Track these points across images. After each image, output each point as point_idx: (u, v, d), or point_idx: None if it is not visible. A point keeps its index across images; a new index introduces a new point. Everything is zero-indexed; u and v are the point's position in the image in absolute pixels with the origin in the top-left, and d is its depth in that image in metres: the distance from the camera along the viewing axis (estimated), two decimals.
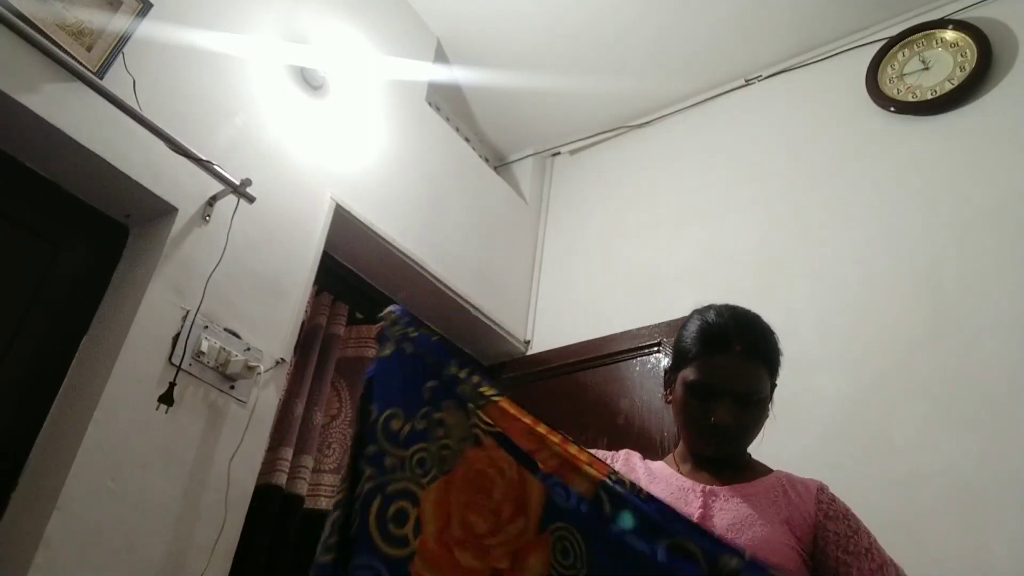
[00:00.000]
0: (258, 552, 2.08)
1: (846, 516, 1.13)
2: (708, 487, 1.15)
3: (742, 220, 2.75)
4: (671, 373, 1.23)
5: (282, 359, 2.06)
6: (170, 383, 1.74)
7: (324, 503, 2.43)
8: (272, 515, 2.17)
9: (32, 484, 1.62)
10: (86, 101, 1.74)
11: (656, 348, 2.53)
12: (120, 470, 1.64)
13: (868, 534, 1.12)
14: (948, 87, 2.49)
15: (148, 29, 1.92)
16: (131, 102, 1.80)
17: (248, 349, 1.96)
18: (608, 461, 1.12)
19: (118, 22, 1.86)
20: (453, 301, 2.80)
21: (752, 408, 1.14)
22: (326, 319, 2.57)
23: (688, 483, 1.17)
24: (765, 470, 1.20)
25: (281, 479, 2.23)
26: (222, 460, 1.84)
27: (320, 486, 2.46)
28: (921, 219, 2.34)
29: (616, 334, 2.70)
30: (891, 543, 1.91)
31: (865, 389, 2.17)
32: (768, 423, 2.39)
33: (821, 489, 1.16)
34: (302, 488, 2.32)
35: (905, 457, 2.00)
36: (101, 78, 1.78)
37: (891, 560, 1.10)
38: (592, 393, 2.66)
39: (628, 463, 1.25)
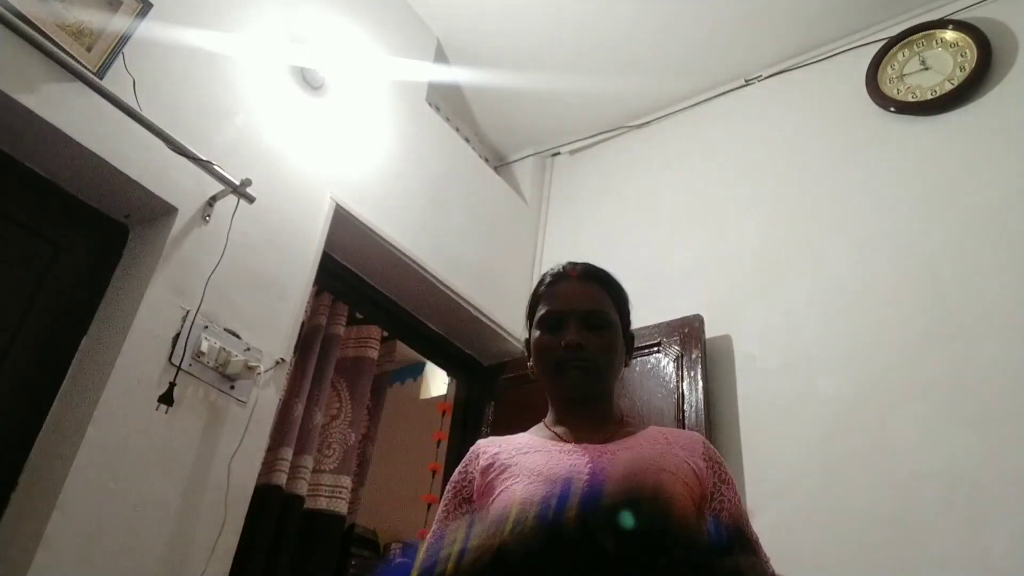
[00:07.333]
0: (258, 552, 2.08)
1: (731, 482, 1.13)
2: (591, 445, 1.11)
3: (742, 220, 2.75)
4: (529, 332, 1.24)
5: (282, 359, 2.06)
6: (170, 383, 1.74)
7: (324, 503, 2.44)
8: (272, 515, 2.18)
9: (32, 484, 1.62)
10: (86, 101, 1.74)
11: (656, 348, 2.52)
12: (120, 470, 1.64)
13: (741, 500, 1.14)
14: (948, 87, 2.49)
15: (148, 29, 1.92)
16: (131, 102, 1.80)
17: (248, 349, 1.96)
18: (467, 469, 1.12)
19: (118, 22, 1.86)
20: (453, 301, 2.80)
21: (600, 331, 1.15)
22: (326, 319, 2.57)
23: (568, 446, 1.12)
24: (640, 423, 1.19)
25: (281, 479, 2.24)
26: (222, 460, 1.84)
27: (320, 486, 2.46)
28: (921, 219, 2.34)
29: None
30: (891, 543, 1.92)
31: (865, 389, 2.17)
32: (768, 423, 2.39)
33: (705, 444, 1.15)
34: (302, 488, 2.32)
35: (905, 457, 2.00)
36: (101, 78, 1.78)
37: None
38: None
39: (486, 455, 1.15)
